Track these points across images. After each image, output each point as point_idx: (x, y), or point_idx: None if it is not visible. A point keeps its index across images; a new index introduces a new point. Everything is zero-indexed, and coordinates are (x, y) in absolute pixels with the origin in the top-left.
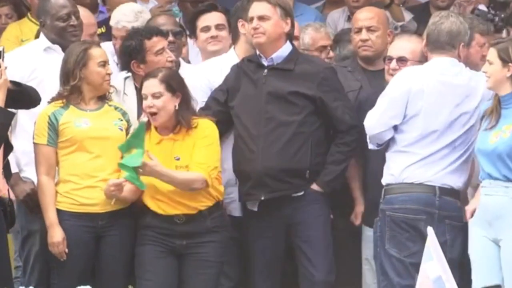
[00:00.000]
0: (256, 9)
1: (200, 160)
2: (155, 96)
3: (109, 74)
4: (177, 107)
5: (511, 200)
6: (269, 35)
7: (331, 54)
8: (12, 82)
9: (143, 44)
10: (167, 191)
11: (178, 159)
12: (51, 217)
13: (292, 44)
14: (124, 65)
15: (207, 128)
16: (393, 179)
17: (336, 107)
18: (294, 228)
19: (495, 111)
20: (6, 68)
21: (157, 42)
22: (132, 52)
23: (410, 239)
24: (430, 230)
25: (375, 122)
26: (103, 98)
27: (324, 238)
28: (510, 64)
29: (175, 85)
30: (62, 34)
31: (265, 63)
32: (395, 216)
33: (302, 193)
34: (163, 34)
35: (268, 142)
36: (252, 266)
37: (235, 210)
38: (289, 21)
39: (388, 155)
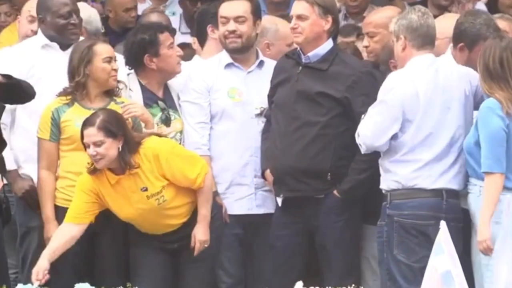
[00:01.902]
0: (294, 8)
1: (191, 177)
2: (97, 144)
3: (115, 70)
4: (120, 149)
5: (477, 198)
6: (307, 35)
7: None
8: (2, 75)
9: (157, 38)
10: (150, 226)
11: (145, 190)
12: (47, 213)
13: (334, 42)
14: (134, 60)
15: (160, 149)
16: (400, 186)
17: (362, 112)
18: (313, 230)
19: None
20: None
21: (168, 36)
22: (147, 45)
23: (418, 245)
24: (443, 224)
25: (371, 134)
26: (110, 94)
27: (340, 244)
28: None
29: (115, 128)
30: (62, 31)
31: (302, 60)
32: (404, 222)
33: (322, 196)
34: (170, 30)
35: (291, 141)
36: (269, 261)
37: (239, 208)
38: (330, 18)
39: (387, 163)
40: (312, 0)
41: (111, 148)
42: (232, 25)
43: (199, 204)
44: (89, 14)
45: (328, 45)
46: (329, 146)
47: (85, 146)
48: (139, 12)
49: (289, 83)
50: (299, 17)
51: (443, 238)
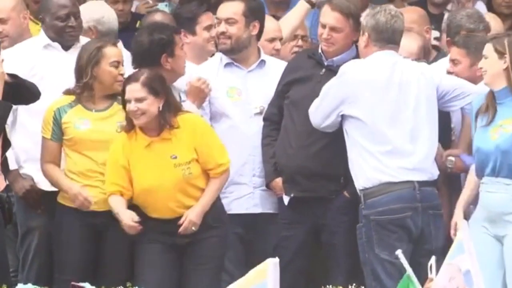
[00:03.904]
0: (327, 19)
1: (218, 161)
2: (138, 100)
3: (121, 75)
4: (160, 109)
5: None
6: (339, 46)
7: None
8: (9, 74)
9: (174, 38)
10: (165, 203)
11: (175, 158)
12: (69, 185)
13: (357, 48)
14: (149, 59)
15: (199, 123)
16: (370, 182)
17: None
18: (320, 229)
19: (491, 107)
20: (2, 61)
21: (180, 38)
22: (165, 45)
23: (398, 240)
24: (464, 223)
25: (314, 114)
26: (115, 95)
27: (347, 243)
28: (506, 55)
29: (158, 87)
30: (60, 33)
31: (325, 62)
32: (380, 219)
33: (333, 196)
34: (180, 31)
35: (308, 142)
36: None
37: (238, 207)
38: (360, 32)
39: (351, 156)
40: (348, 12)
41: (152, 105)
42: (222, 27)
43: (206, 190)
44: (102, 14)
45: (352, 51)
46: (344, 150)
47: (127, 102)
48: (133, 9)
49: (309, 82)
50: (334, 29)
51: (465, 237)
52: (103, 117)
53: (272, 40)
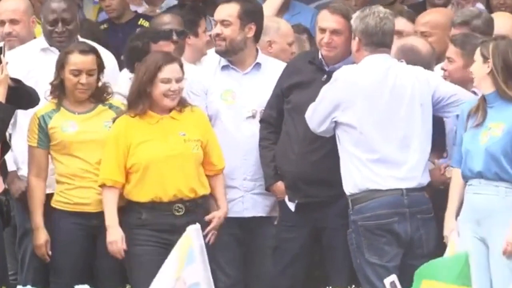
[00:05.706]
0: (327, 22)
1: (219, 158)
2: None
3: (82, 84)
4: None
5: (502, 199)
6: (340, 50)
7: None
8: (12, 79)
9: (149, 47)
10: (170, 177)
11: (183, 135)
12: (36, 220)
13: None
14: (129, 65)
15: (206, 118)
16: (357, 188)
17: None
18: (321, 231)
19: (481, 109)
20: (7, 63)
21: (162, 47)
22: (138, 53)
23: (387, 244)
24: (454, 236)
25: (310, 119)
26: (98, 98)
27: (345, 246)
28: (489, 60)
29: None
30: (49, 37)
31: (326, 68)
32: (367, 224)
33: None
34: (170, 38)
35: (310, 149)
36: (274, 262)
37: (229, 211)
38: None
39: (342, 162)
40: (347, 14)
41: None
42: (218, 28)
43: (219, 193)
44: None
45: (352, 58)
46: None
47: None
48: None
49: (311, 88)
50: (335, 32)
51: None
52: (88, 117)
53: (292, 43)
